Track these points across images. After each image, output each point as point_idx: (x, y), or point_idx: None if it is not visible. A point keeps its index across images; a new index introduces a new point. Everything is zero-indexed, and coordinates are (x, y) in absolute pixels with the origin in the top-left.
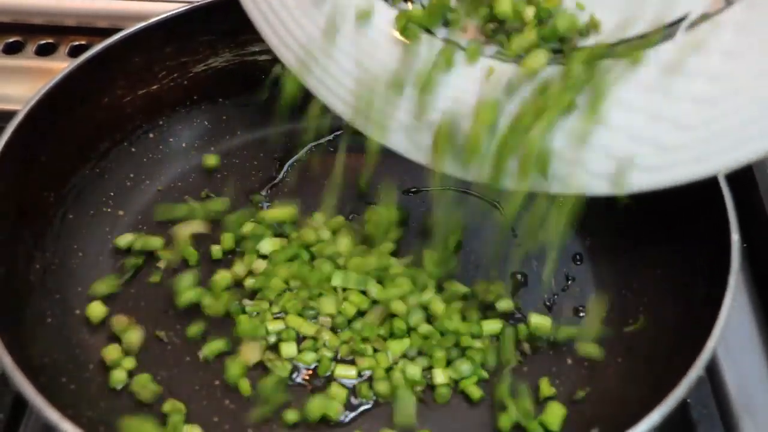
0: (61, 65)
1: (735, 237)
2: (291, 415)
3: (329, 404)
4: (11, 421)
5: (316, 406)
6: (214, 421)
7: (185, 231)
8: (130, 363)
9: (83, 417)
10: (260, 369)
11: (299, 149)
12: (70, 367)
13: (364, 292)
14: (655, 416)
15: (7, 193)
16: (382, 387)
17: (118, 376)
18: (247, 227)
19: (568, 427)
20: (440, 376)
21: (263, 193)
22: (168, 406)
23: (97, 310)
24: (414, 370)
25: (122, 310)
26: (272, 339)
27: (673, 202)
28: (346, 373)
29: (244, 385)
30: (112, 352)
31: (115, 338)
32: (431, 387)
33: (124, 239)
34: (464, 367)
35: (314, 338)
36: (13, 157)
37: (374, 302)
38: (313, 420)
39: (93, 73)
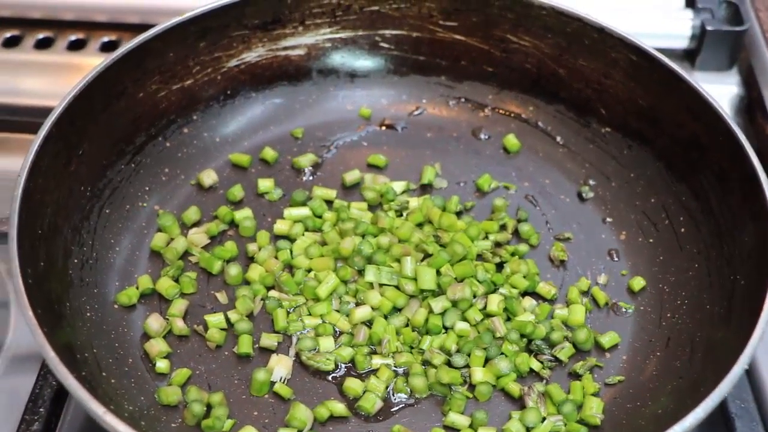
0: (91, 61)
1: None
2: (328, 410)
3: (366, 397)
4: (51, 417)
5: (352, 396)
6: (254, 415)
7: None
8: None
9: (124, 411)
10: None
11: (332, 144)
12: (110, 361)
13: (399, 288)
14: (700, 412)
15: (46, 187)
16: (418, 382)
17: (161, 368)
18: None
19: (607, 422)
20: (479, 374)
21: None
22: (212, 398)
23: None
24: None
25: (157, 309)
26: (309, 333)
27: (710, 194)
28: (382, 368)
29: (283, 391)
30: (154, 345)
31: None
32: (472, 385)
33: (160, 239)
34: (502, 364)
35: (351, 334)
36: (52, 152)
37: (411, 297)
38: (349, 414)
39: (128, 68)
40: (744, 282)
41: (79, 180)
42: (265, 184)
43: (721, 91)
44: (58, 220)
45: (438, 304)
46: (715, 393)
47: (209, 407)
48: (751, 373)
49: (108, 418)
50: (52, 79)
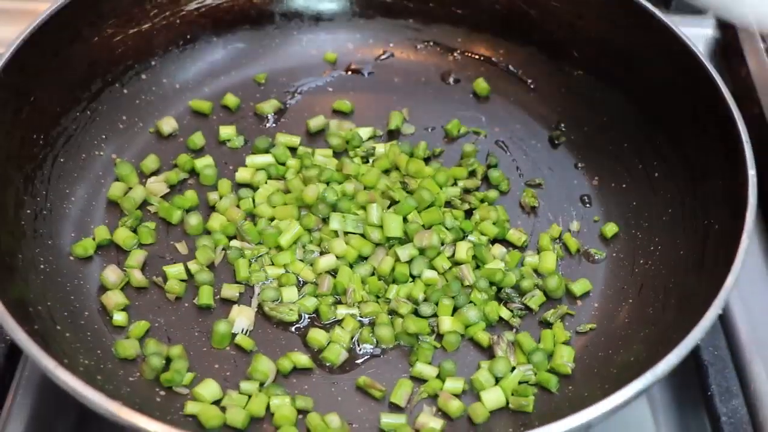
0: (45, 5)
1: (752, 173)
2: (291, 362)
3: (330, 348)
4: (5, 372)
5: (316, 348)
6: (214, 368)
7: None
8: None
9: (80, 366)
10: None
11: (296, 89)
12: (65, 314)
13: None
14: (672, 359)
15: None
16: (384, 332)
17: (118, 320)
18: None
19: (578, 370)
20: (446, 323)
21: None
22: (171, 351)
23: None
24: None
25: (114, 260)
26: (272, 283)
27: (685, 137)
28: (347, 318)
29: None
30: (111, 297)
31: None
32: (439, 335)
33: (118, 188)
34: (471, 313)
35: (315, 283)
36: (1, 100)
37: (377, 245)
38: (313, 366)
39: (82, 12)
40: (718, 227)
41: (32, 128)
42: (226, 131)
43: (696, 34)
44: (9, 170)
45: (405, 251)
46: (687, 340)
47: (168, 360)
48: (724, 320)
49: (59, 372)
50: (5, 26)
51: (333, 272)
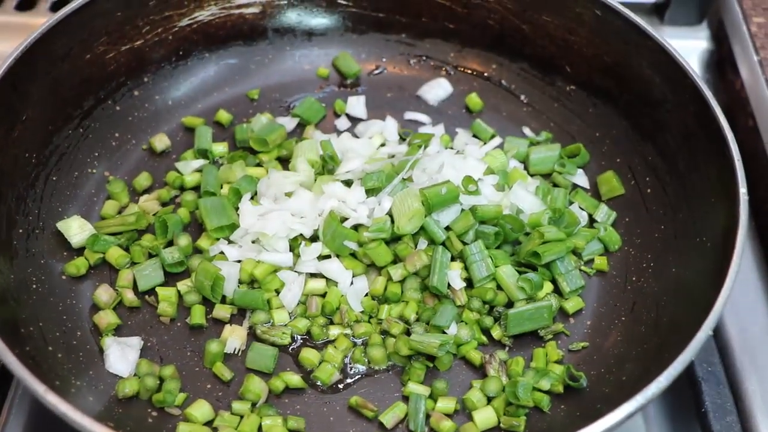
0: (42, 20)
1: (743, 191)
2: (283, 382)
3: (322, 368)
4: None
5: (308, 367)
6: (207, 388)
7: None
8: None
9: (72, 387)
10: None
11: (289, 105)
12: (57, 335)
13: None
14: (663, 380)
15: None
16: (376, 353)
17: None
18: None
19: (570, 389)
20: None
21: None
22: (163, 371)
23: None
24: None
25: (107, 279)
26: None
27: (676, 153)
28: (340, 337)
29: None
30: (103, 317)
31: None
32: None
33: (111, 206)
34: (463, 332)
35: (303, 303)
36: None
37: (369, 266)
38: (305, 386)
39: (74, 29)
40: (710, 244)
41: (24, 147)
42: (218, 148)
43: (690, 46)
44: (1, 189)
45: (397, 271)
46: (678, 361)
47: (161, 380)
48: (718, 337)
49: (50, 397)
50: (1, 41)
51: (323, 294)
